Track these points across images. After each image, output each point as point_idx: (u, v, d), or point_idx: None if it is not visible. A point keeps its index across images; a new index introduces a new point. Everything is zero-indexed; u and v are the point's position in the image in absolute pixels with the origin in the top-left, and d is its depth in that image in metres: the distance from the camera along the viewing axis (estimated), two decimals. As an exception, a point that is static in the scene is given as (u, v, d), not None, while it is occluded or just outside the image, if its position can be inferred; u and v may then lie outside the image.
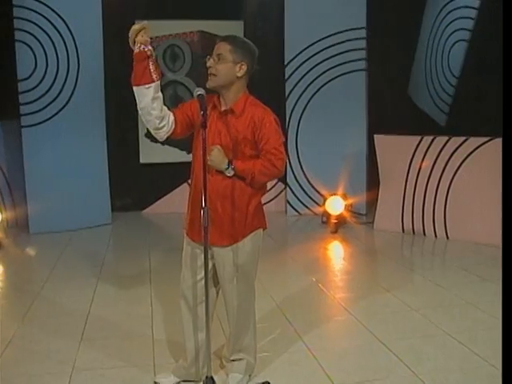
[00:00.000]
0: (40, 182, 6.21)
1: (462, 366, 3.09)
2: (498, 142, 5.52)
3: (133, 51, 2.53)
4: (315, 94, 7.05)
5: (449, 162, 5.87)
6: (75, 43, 6.24)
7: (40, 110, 6.21)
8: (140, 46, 2.50)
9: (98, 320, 3.85)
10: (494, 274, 4.77)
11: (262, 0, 7.43)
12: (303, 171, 7.27)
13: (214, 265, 2.78)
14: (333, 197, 6.62)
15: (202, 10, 7.29)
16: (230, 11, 7.38)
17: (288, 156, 7.28)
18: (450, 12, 6.68)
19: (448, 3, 6.70)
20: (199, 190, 2.63)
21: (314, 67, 7.01)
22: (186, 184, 7.62)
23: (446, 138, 5.89)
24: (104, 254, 5.53)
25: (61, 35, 6.15)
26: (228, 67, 2.61)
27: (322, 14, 6.85)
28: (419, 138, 6.08)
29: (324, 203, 6.67)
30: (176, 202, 7.57)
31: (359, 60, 6.91)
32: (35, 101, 6.18)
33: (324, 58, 6.97)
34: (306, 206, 7.35)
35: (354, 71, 6.93)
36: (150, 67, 2.52)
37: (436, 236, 6.04)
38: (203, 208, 2.47)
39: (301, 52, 7.00)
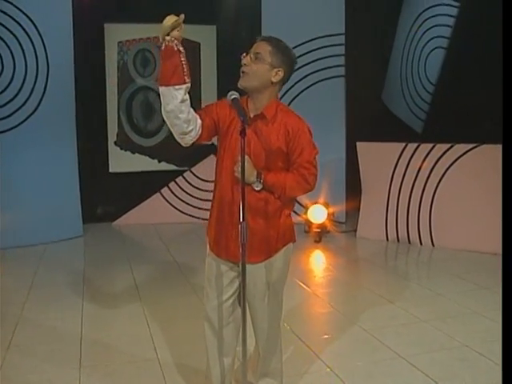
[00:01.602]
0: (7, 194, 5.77)
1: (492, 381, 2.99)
2: (484, 148, 5.55)
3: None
4: (293, 100, 6.90)
5: (434, 169, 5.86)
6: (44, 46, 5.87)
7: (6, 118, 5.80)
8: (170, 41, 2.23)
9: (93, 344, 3.55)
10: (489, 282, 4.76)
11: (237, 5, 7.25)
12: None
13: (238, 287, 2.57)
14: (315, 205, 6.49)
15: (172, 14, 7.04)
16: (203, 15, 7.16)
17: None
18: (426, 19, 6.71)
19: (424, 11, 6.73)
20: (227, 202, 2.44)
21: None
22: (158, 194, 7.37)
23: (431, 144, 5.88)
24: (83, 270, 5.17)
25: (29, 38, 5.76)
26: (264, 69, 2.38)
27: (300, 19, 6.72)
28: (403, 144, 6.05)
29: (306, 212, 6.53)
30: (148, 212, 7.30)
31: (338, 66, 6.83)
32: (1, 107, 5.76)
33: (302, 64, 6.82)
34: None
35: (333, 77, 6.85)
36: (183, 65, 2.26)
37: (421, 243, 6.01)
38: (241, 223, 2.25)
39: (278, 58, 6.85)
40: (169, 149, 7.40)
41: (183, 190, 7.41)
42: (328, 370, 3.17)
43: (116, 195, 7.20)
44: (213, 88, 7.35)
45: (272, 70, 2.40)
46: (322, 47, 6.75)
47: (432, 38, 6.65)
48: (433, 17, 6.61)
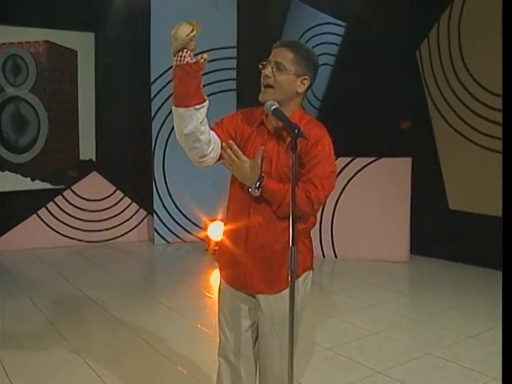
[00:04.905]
0: None
1: (474, 385, 3.11)
2: (382, 161, 5.86)
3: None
4: (184, 114, 6.66)
5: (334, 182, 6.02)
6: None
7: None
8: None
9: (39, 399, 3.00)
10: (407, 289, 5.08)
11: (120, 11, 6.76)
12: (171, 197, 6.82)
13: (255, 320, 2.28)
14: (213, 222, 6.30)
15: (48, 18, 6.39)
16: (81, 22, 6.60)
17: (155, 182, 6.76)
18: (313, 37, 6.90)
19: (310, 29, 6.92)
20: (243, 227, 2.20)
21: (181, 86, 6.65)
22: (34, 216, 6.60)
23: (332, 158, 6.03)
24: (-26, 311, 4.38)
25: None
26: (290, 80, 2.15)
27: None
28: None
29: (205, 229, 6.32)
30: (24, 236, 6.50)
31: (229, 80, 6.75)
32: None
33: (192, 76, 6.65)
34: (175, 234, 6.90)
35: (225, 91, 6.75)
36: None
37: (324, 256, 6.12)
38: (291, 248, 2.03)
39: (168, 69, 6.55)
40: (43, 166, 6.69)
41: (63, 210, 6.72)
42: (318, 395, 3.03)
43: (-16, 219, 6.29)
44: (91, 98, 6.76)
45: (297, 80, 2.17)
46: (215, 60, 6.59)
47: (318, 55, 6.85)
48: (319, 35, 6.83)
